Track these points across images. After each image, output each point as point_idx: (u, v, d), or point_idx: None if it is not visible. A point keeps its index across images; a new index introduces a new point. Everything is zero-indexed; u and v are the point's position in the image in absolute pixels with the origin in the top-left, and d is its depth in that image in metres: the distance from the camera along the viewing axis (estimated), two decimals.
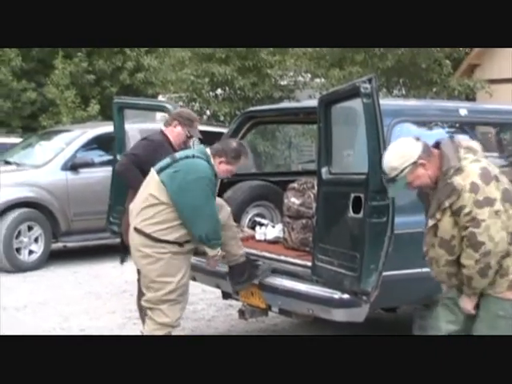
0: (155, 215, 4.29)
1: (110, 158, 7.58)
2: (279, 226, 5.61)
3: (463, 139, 3.53)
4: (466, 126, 5.31)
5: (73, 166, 8.81)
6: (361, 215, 4.09)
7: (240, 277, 4.79)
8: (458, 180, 3.32)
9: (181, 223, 4.31)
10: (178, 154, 4.51)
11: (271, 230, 5.62)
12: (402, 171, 3.39)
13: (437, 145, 3.50)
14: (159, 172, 4.36)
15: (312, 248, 4.61)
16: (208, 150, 4.47)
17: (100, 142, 9.14)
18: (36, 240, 8.48)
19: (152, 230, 4.28)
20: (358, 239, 4.10)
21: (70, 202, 8.58)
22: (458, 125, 5.24)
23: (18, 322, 6.08)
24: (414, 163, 3.39)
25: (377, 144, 3.93)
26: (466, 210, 3.29)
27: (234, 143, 4.61)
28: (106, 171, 7.20)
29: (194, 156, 4.42)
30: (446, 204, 3.35)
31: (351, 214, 4.16)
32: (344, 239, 4.26)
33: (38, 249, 8.48)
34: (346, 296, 4.21)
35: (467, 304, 3.46)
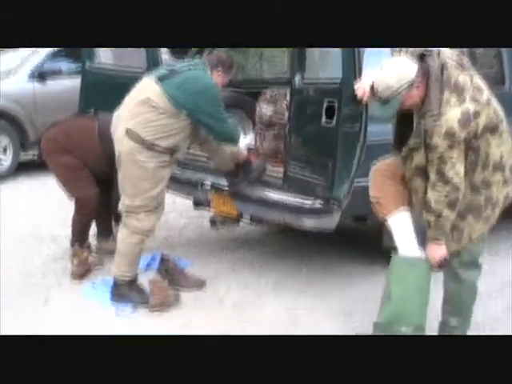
0: (152, 121, 4.21)
1: (78, 66, 7.42)
2: (251, 135, 5.60)
3: (455, 70, 3.33)
4: None
5: (40, 75, 8.64)
6: (333, 123, 4.07)
7: (234, 179, 4.80)
8: (433, 124, 3.26)
9: (177, 131, 4.26)
10: (176, 67, 4.40)
11: (243, 139, 5.59)
12: (398, 90, 3.29)
13: (426, 65, 3.36)
14: (159, 81, 4.26)
15: (284, 157, 4.61)
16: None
17: (68, 50, 8.92)
18: (4, 150, 8.40)
19: (146, 135, 4.21)
20: (331, 147, 4.10)
21: (37, 112, 8.43)
22: None
23: None
24: (411, 83, 3.29)
25: (351, 49, 3.87)
26: (438, 151, 3.26)
27: (222, 54, 4.56)
28: (75, 80, 7.06)
29: (195, 68, 4.36)
30: (417, 141, 3.36)
31: (324, 122, 4.14)
32: (316, 147, 4.26)
33: (7, 159, 8.42)
34: (317, 204, 4.24)
35: (436, 251, 3.46)
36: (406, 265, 3.57)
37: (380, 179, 3.71)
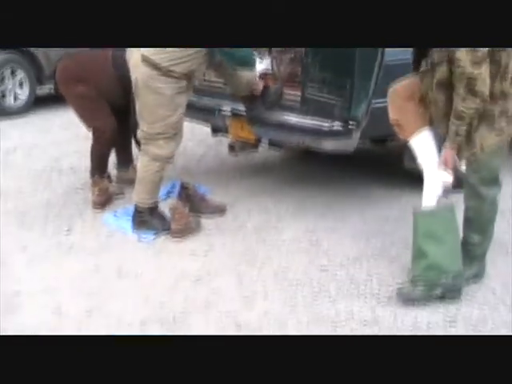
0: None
1: None
2: (267, 60, 5.52)
3: None
4: None
5: None
6: None
7: (251, 104, 4.76)
8: None
9: (192, 56, 4.21)
10: None
11: (259, 65, 5.53)
12: None
13: None
14: None
15: (301, 79, 4.56)
16: None
17: None
18: (21, 84, 8.40)
19: (161, 61, 4.16)
20: (348, 67, 4.05)
21: None
22: None
23: (9, 165, 6.12)
24: None
25: None
26: (462, 67, 3.23)
27: None
28: None
29: None
30: (440, 56, 3.32)
31: None
32: (334, 68, 4.21)
33: (23, 93, 8.43)
34: (336, 125, 4.22)
35: (453, 156, 3.46)
36: (430, 218, 3.54)
37: (399, 101, 3.68)
